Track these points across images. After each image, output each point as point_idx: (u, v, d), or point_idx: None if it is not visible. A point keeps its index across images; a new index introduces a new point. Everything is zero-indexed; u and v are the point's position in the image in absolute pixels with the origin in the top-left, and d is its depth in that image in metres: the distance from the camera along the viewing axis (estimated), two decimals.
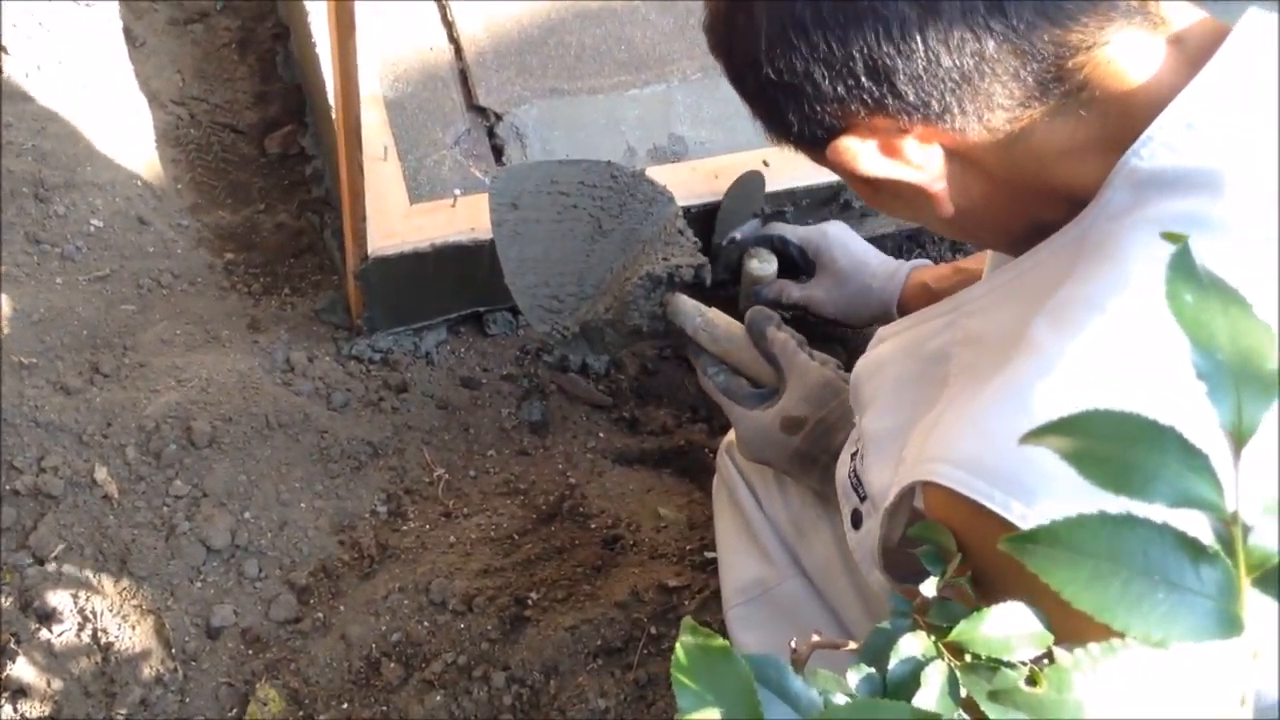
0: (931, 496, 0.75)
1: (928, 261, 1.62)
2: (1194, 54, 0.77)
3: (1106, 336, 0.69)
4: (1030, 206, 0.84)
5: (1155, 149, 0.74)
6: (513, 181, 1.51)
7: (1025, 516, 0.66)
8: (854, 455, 1.02)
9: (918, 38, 0.73)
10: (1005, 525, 0.66)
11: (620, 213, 1.52)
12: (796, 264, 1.68)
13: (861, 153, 0.80)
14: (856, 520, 1.01)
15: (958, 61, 0.74)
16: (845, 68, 0.76)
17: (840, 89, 0.77)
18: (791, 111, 0.81)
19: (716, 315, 1.40)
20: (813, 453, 1.24)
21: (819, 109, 0.80)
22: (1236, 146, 0.73)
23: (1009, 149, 0.79)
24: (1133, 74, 0.76)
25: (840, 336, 1.72)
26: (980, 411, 0.72)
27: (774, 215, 1.74)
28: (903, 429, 0.87)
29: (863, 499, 0.99)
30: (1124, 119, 0.76)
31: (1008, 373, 0.72)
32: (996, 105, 0.76)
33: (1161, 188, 0.73)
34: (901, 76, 0.75)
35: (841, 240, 1.63)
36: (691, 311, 1.41)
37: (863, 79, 0.76)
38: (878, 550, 0.90)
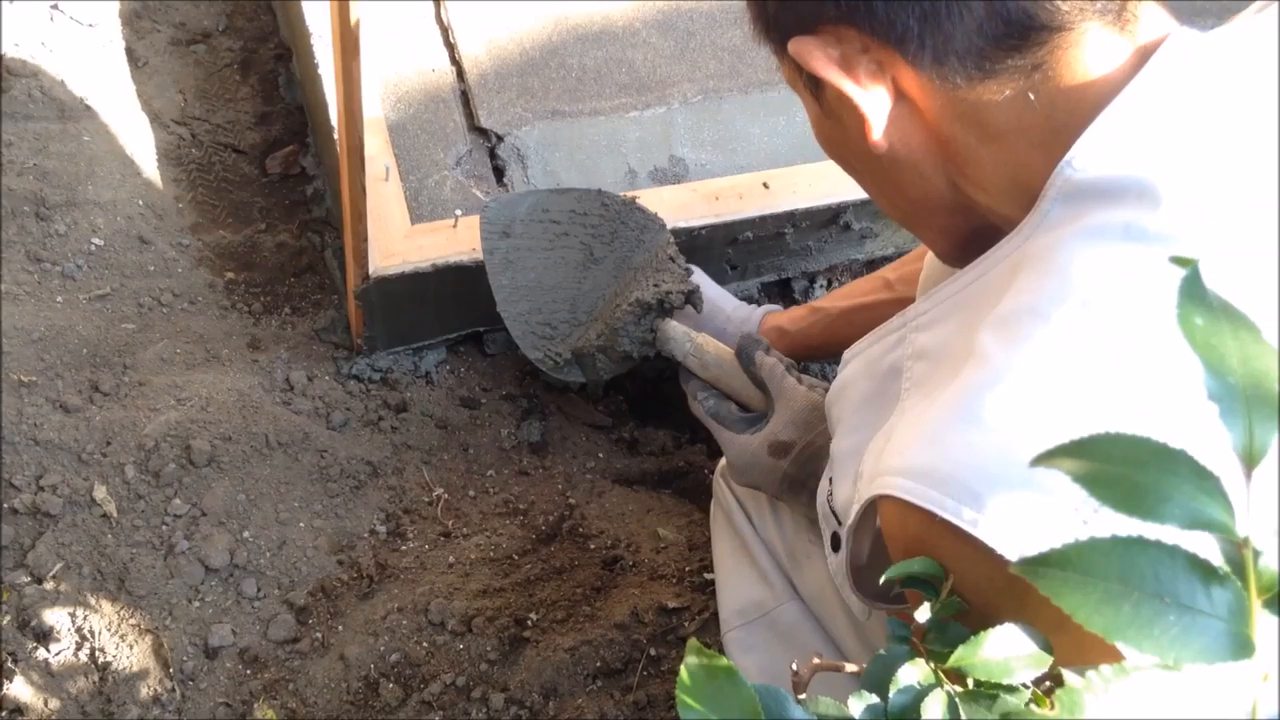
0: (886, 510, 0.76)
1: (779, 307, 1.63)
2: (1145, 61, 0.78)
3: (1052, 346, 0.70)
4: (967, 181, 0.84)
5: (1088, 158, 0.75)
6: (504, 210, 1.51)
7: (976, 522, 0.66)
8: (831, 480, 1.02)
9: None
10: (959, 535, 0.67)
11: (612, 240, 1.53)
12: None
13: (818, 54, 0.80)
14: (836, 543, 1.01)
15: None
16: None
17: None
18: None
19: (706, 341, 1.41)
20: (800, 476, 1.25)
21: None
22: (1166, 156, 0.74)
23: (955, 107, 0.80)
24: (1089, 70, 0.77)
25: None
26: (931, 424, 0.73)
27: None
28: (862, 447, 0.88)
29: (840, 522, 1.00)
30: (1070, 117, 0.77)
31: (958, 385, 0.73)
32: (952, 51, 0.77)
33: (1097, 198, 0.74)
34: None
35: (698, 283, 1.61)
36: (681, 338, 1.41)
37: None
38: (846, 569, 0.91)
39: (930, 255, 1.09)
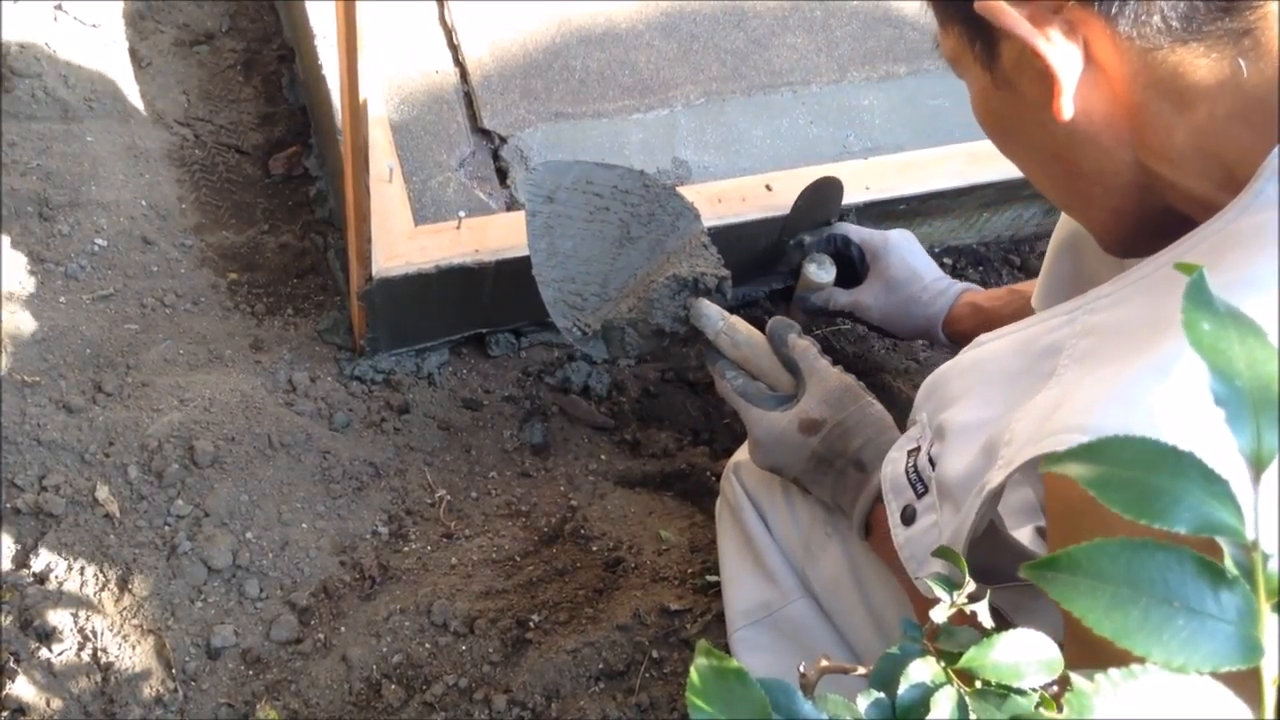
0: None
1: (979, 287, 1.63)
2: None
3: (1264, 313, 0.67)
4: (1149, 155, 0.82)
5: None
6: (551, 175, 1.53)
7: None
8: (911, 452, 1.01)
9: None
10: None
11: (649, 221, 1.54)
12: (855, 265, 1.71)
13: (1011, 11, 0.78)
14: (908, 517, 1.00)
15: None
16: None
17: None
18: None
19: (738, 322, 1.41)
20: (829, 455, 1.24)
21: None
22: None
23: (1151, 72, 0.77)
24: None
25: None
26: (1124, 385, 0.71)
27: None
28: (994, 420, 0.86)
29: (919, 495, 0.99)
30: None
31: (1157, 353, 0.71)
32: (1156, 9, 0.74)
33: None
34: None
35: (901, 249, 1.64)
36: (714, 316, 1.42)
37: None
38: (965, 536, 0.88)
39: (1053, 253, 1.06)
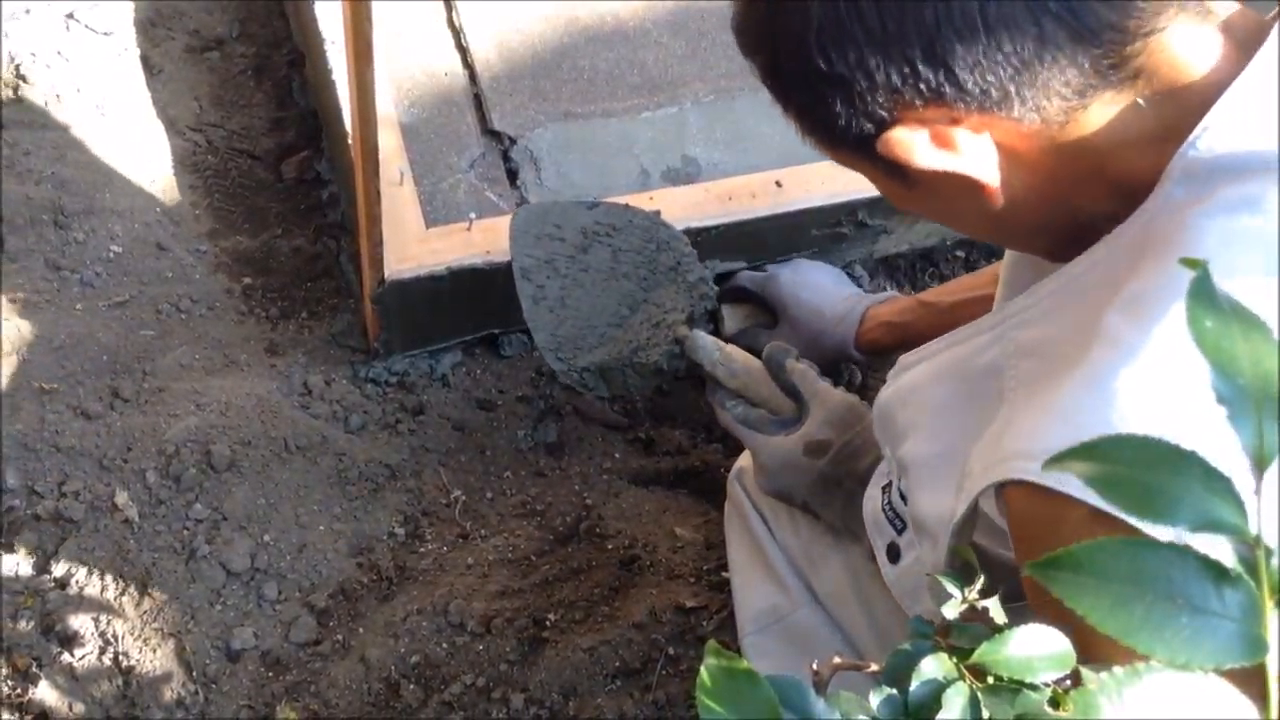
0: (1014, 498, 0.73)
1: (889, 294, 1.62)
2: (1243, 43, 0.76)
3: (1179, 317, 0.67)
4: (1073, 198, 0.82)
5: (1212, 139, 0.73)
6: (533, 219, 1.52)
7: None
8: (885, 488, 1.00)
9: (978, 19, 0.72)
10: (1095, 516, 0.64)
11: (638, 254, 1.53)
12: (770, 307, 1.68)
13: (916, 144, 0.77)
14: (894, 554, 0.99)
15: (1018, 46, 0.72)
16: (901, 53, 0.74)
17: (895, 77, 0.75)
18: (839, 105, 0.79)
19: (734, 350, 1.41)
20: (837, 475, 1.23)
21: (869, 100, 0.77)
22: None
23: (1060, 140, 0.77)
24: (1188, 63, 0.75)
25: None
26: (1062, 405, 0.71)
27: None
28: (955, 451, 0.85)
29: (899, 531, 0.98)
30: (1179, 109, 0.75)
31: (1087, 366, 0.71)
32: (1054, 93, 0.74)
33: (1222, 175, 0.72)
34: (961, 62, 0.73)
35: (792, 288, 1.63)
36: (710, 347, 1.41)
37: (920, 65, 0.74)
38: (945, 565, 0.88)
39: (1012, 255, 1.07)
